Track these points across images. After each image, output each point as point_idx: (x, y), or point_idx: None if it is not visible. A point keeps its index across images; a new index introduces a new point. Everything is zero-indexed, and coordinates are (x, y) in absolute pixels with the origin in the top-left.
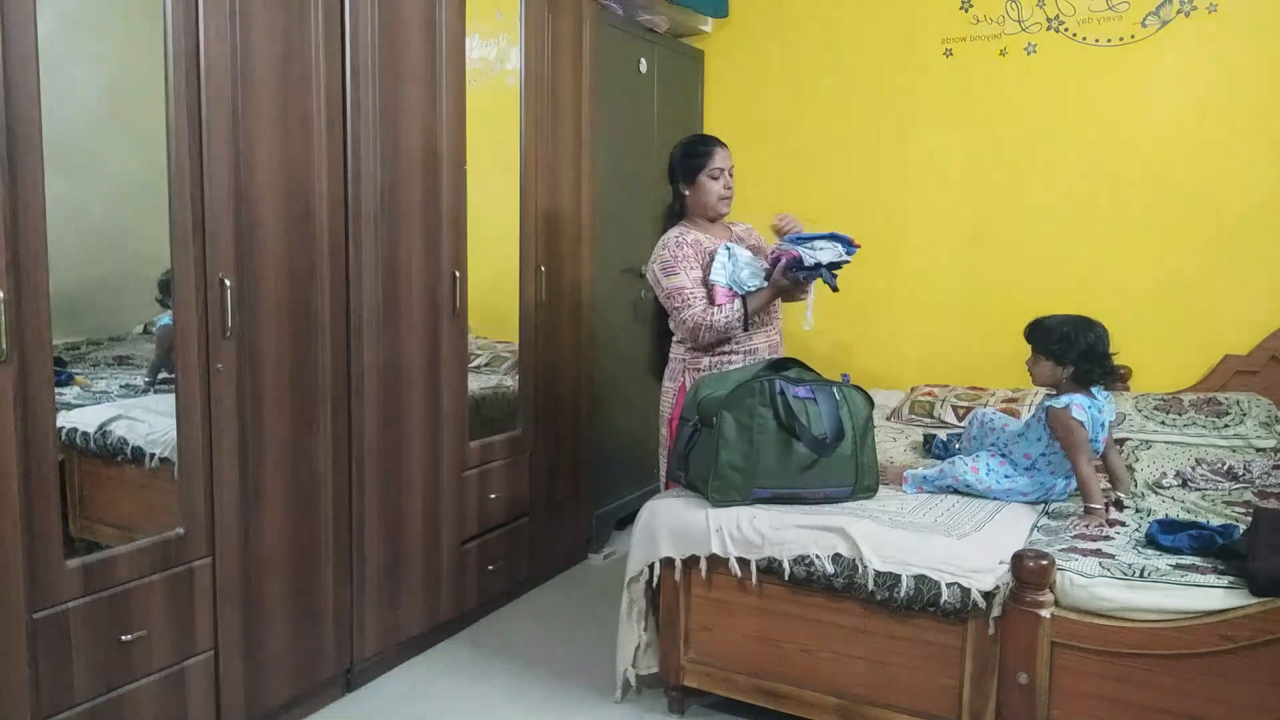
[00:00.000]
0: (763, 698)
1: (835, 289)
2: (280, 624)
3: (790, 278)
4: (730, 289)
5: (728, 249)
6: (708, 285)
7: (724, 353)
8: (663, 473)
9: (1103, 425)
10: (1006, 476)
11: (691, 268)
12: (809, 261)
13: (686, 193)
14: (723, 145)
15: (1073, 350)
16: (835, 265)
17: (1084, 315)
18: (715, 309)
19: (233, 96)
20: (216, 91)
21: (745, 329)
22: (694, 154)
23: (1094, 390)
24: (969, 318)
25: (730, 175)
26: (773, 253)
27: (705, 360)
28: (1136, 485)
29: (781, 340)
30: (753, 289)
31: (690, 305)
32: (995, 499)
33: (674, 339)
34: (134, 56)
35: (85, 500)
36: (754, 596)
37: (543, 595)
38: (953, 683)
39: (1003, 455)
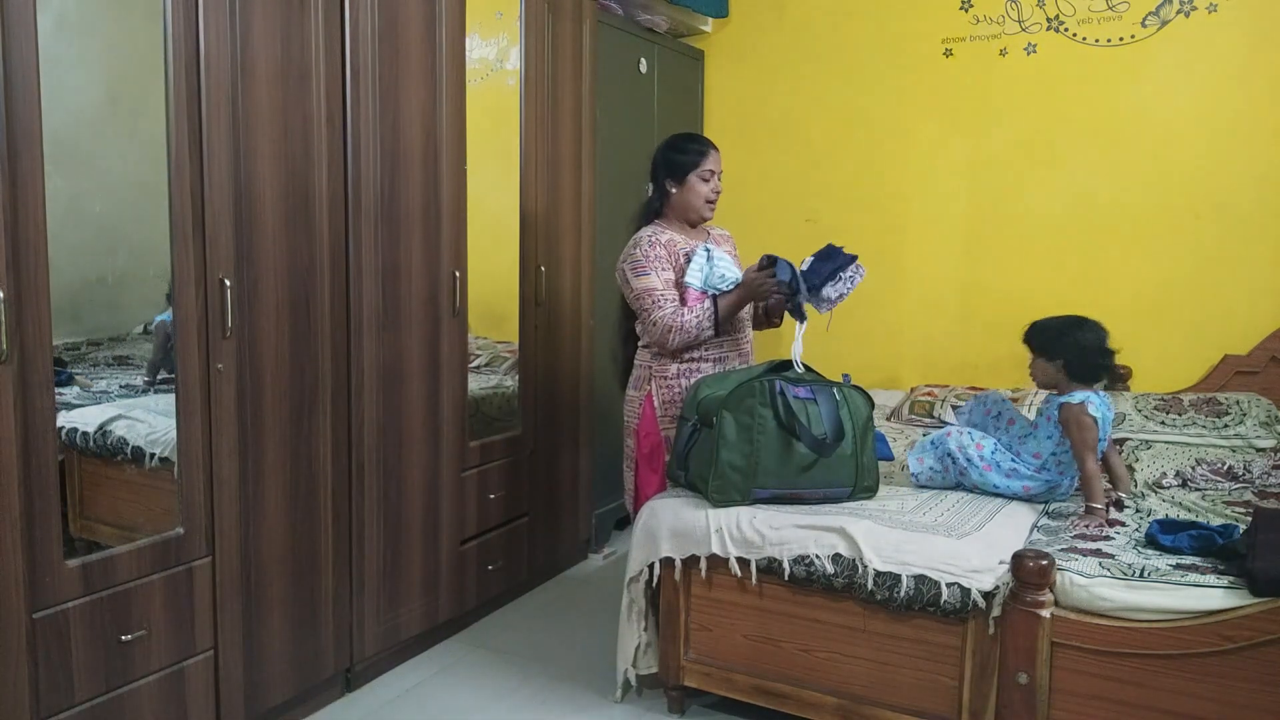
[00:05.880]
0: (762, 698)
1: (798, 301)
2: (280, 624)
3: (764, 279)
4: (704, 293)
5: (707, 251)
6: (681, 288)
7: (693, 359)
8: (629, 489)
9: (1107, 421)
10: (1013, 462)
11: (664, 269)
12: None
13: (673, 191)
14: (715, 148)
15: (1058, 345)
16: (817, 280)
17: (1079, 315)
18: (685, 309)
19: (233, 96)
20: (216, 91)
21: (717, 333)
22: (685, 152)
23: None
24: (969, 318)
25: (719, 180)
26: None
27: (673, 367)
28: (1136, 485)
29: (752, 351)
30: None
31: (660, 306)
32: (994, 490)
33: (639, 344)
34: (134, 56)
35: (85, 500)
36: (754, 596)
37: (543, 595)
38: (953, 683)
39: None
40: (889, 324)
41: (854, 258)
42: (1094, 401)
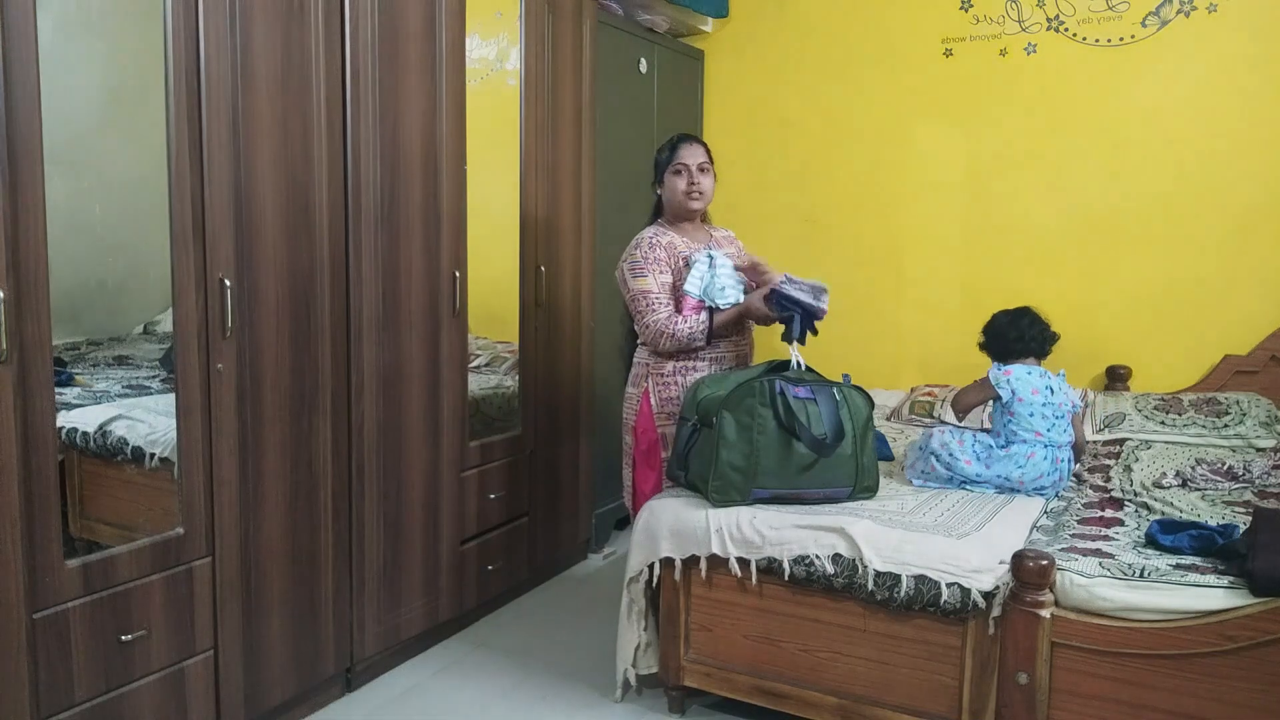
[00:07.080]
0: (762, 698)
1: (794, 337)
2: (280, 624)
3: (767, 309)
4: (701, 301)
5: (710, 257)
6: (679, 292)
7: (689, 359)
8: (627, 485)
9: (1061, 391)
10: (991, 448)
11: (661, 271)
12: (790, 292)
13: (659, 192)
14: (694, 142)
15: (984, 339)
16: (812, 315)
17: (1006, 309)
18: (680, 318)
19: (233, 96)
20: (216, 91)
21: (708, 343)
22: (663, 150)
23: (1051, 370)
24: (969, 318)
25: (700, 172)
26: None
27: (669, 365)
28: (1132, 484)
29: (752, 351)
30: (726, 306)
31: (654, 310)
32: (978, 480)
33: (638, 342)
34: (134, 56)
35: (85, 500)
36: (754, 596)
37: (543, 595)
38: (953, 683)
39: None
40: (889, 324)
41: (824, 288)
42: (1009, 369)
